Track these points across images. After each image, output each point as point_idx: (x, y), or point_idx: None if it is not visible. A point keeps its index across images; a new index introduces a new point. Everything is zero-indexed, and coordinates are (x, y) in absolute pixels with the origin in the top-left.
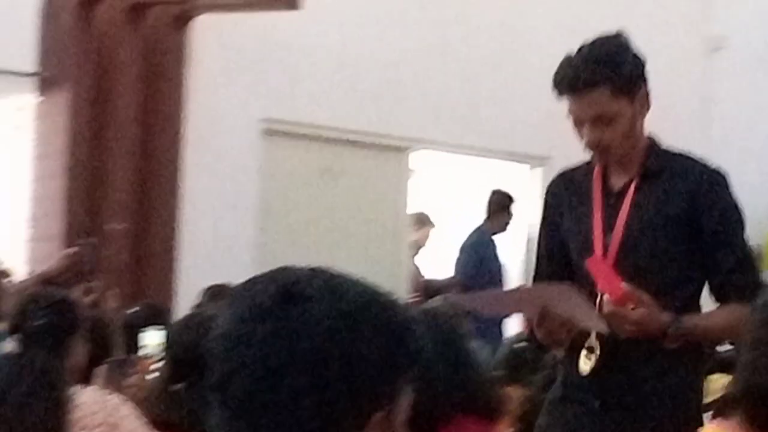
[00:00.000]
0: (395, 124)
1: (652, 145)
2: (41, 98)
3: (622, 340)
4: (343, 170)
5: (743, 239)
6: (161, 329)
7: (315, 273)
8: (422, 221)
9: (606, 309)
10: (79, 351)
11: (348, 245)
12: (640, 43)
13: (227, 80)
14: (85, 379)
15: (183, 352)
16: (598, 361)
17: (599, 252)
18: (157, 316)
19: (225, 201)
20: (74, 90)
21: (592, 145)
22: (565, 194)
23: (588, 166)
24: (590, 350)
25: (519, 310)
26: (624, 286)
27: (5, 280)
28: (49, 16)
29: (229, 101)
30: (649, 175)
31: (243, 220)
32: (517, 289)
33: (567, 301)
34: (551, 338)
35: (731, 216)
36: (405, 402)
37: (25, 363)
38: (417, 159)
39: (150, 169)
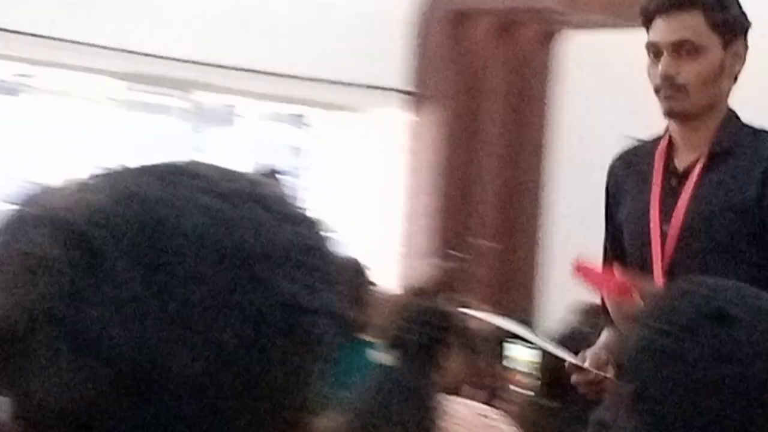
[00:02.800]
0: None
1: (730, 118)
2: (412, 115)
3: None
4: None
5: None
6: (527, 344)
7: (741, 292)
8: None
9: (612, 309)
10: (451, 363)
11: None
12: None
13: (594, 98)
14: (457, 391)
15: (560, 371)
16: None
17: (657, 241)
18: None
19: (590, 219)
20: (444, 107)
21: (665, 78)
22: (625, 176)
23: (654, 143)
24: None
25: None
26: (619, 274)
27: (376, 293)
28: (421, 33)
29: (595, 120)
30: (720, 153)
31: None
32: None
33: None
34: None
35: None
36: None
37: (398, 375)
38: None
39: (515, 185)
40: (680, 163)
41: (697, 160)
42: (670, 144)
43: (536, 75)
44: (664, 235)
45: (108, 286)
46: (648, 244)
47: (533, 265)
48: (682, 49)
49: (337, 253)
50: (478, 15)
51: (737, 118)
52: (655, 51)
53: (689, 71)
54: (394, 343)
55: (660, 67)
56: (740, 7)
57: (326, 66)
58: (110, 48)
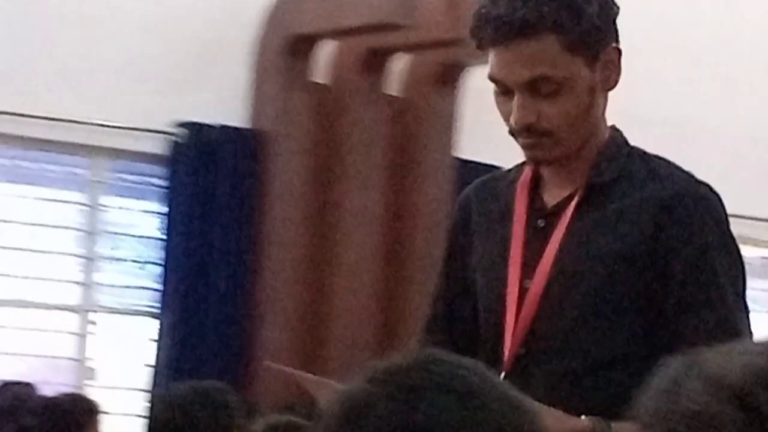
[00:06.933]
0: None
1: (612, 143)
2: None
3: None
4: None
5: (729, 299)
6: None
7: None
8: None
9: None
10: None
11: None
12: None
13: None
14: None
15: None
16: None
17: (514, 301)
18: None
19: None
20: None
21: (523, 128)
22: (480, 210)
23: (518, 172)
24: None
25: None
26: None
27: None
28: None
29: None
30: (600, 186)
31: None
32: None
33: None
34: None
35: (713, 260)
36: None
37: None
38: None
39: None
40: (550, 198)
41: (571, 196)
42: (537, 173)
43: None
44: (523, 293)
45: None
46: (504, 303)
47: None
48: (540, 86)
49: None
50: None
51: (621, 141)
52: (502, 87)
53: (554, 112)
54: None
55: (514, 111)
56: (599, 5)
57: None
58: None
